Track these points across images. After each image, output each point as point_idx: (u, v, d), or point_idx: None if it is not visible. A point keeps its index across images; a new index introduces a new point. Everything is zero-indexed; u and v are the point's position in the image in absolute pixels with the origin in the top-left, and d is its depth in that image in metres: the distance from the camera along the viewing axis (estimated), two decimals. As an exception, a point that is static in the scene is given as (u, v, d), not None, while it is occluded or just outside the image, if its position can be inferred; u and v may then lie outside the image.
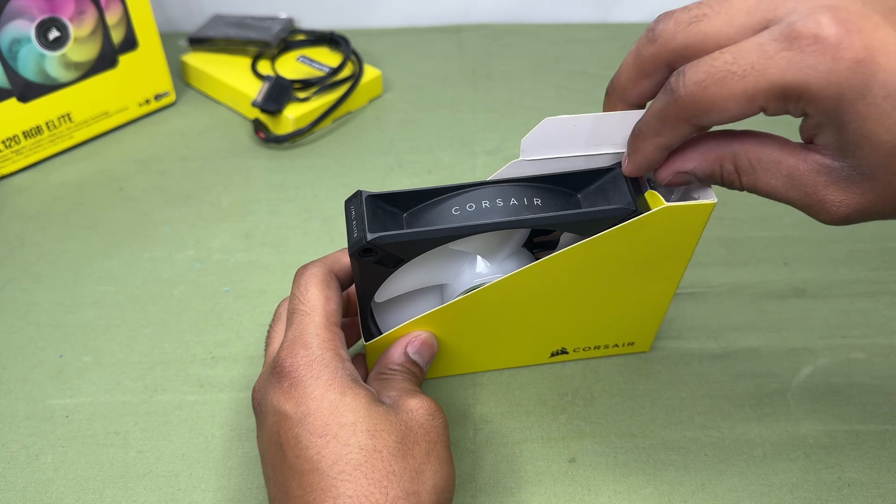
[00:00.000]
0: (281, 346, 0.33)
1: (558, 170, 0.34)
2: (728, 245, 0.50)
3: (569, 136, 0.33)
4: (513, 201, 0.32)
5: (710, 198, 0.32)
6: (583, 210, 0.32)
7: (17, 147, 0.57)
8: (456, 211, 0.32)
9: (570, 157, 0.34)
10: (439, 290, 0.39)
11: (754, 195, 0.58)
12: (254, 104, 0.60)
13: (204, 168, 0.59)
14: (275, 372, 0.32)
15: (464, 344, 0.39)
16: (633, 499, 0.36)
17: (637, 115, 0.31)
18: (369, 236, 0.31)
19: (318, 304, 0.33)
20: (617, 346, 0.42)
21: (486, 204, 0.32)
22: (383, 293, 0.35)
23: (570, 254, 0.33)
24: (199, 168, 0.59)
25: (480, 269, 0.36)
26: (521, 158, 0.34)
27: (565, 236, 0.37)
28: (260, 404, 0.32)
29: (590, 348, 0.42)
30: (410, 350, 0.36)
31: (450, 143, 0.62)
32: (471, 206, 0.32)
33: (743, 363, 0.42)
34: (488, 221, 0.31)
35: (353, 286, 0.37)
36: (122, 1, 0.59)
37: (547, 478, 0.37)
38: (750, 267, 0.49)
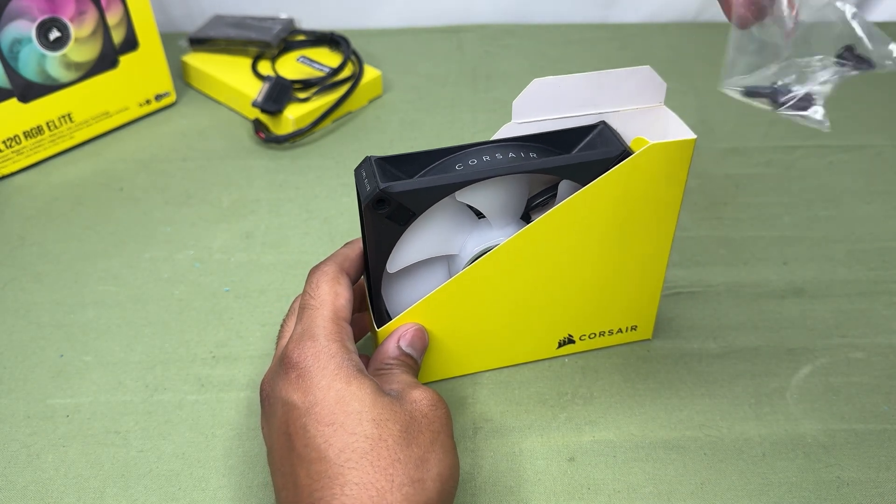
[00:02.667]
0: (290, 338, 0.33)
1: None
2: (727, 245, 0.51)
3: (556, 96, 0.36)
4: (511, 155, 0.35)
5: (689, 135, 0.35)
6: (582, 153, 0.35)
7: (17, 147, 0.57)
8: (459, 167, 0.34)
9: (558, 118, 0.36)
10: (447, 272, 0.39)
11: (753, 195, 0.58)
12: (254, 104, 0.60)
13: (204, 168, 0.59)
14: (283, 363, 0.32)
15: (471, 335, 0.39)
16: (632, 498, 0.36)
17: (621, 75, 0.35)
18: (382, 185, 0.32)
19: (328, 298, 0.34)
20: (621, 331, 0.42)
21: (486, 158, 0.34)
22: (395, 262, 0.36)
23: (570, 205, 0.35)
24: (199, 168, 0.59)
25: (487, 233, 0.37)
26: (513, 121, 0.36)
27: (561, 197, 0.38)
28: (269, 396, 0.33)
29: (595, 335, 0.42)
30: (403, 343, 0.37)
31: (449, 143, 0.61)
32: (473, 162, 0.34)
33: (742, 362, 0.42)
34: (494, 167, 0.33)
35: (361, 279, 0.38)
36: (122, 1, 0.59)
37: (546, 477, 0.37)
38: (749, 266, 0.49)
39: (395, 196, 0.32)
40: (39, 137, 0.58)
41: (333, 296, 0.34)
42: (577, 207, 0.35)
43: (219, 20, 0.71)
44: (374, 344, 0.38)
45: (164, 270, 0.49)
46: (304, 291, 0.35)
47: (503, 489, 0.36)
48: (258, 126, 0.61)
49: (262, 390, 0.34)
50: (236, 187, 0.57)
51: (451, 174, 0.34)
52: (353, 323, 0.39)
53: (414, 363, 0.37)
